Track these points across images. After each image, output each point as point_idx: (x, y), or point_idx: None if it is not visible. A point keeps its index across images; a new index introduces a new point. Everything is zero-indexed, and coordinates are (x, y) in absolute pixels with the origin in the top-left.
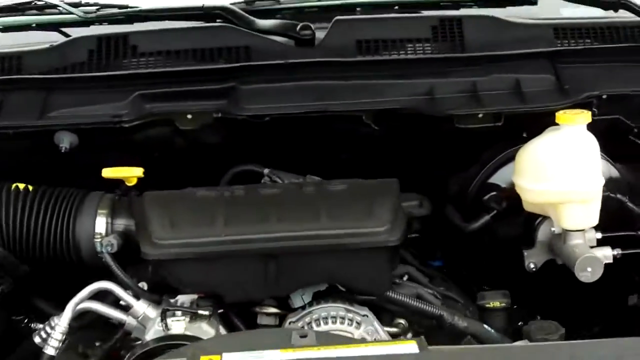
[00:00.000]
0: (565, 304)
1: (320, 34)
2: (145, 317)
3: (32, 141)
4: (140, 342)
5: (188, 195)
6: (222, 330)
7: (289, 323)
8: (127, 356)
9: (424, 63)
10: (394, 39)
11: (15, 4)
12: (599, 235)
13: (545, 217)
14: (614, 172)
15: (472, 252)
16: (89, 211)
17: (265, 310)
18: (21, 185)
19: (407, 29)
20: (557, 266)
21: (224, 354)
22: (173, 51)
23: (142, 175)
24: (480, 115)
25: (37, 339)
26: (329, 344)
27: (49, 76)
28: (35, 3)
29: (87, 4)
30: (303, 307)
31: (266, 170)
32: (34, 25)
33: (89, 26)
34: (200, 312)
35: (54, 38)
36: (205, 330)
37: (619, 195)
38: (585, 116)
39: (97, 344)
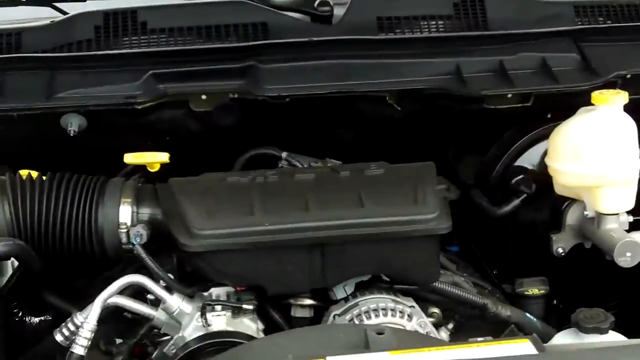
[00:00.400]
0: (585, 287)
1: (338, 11)
2: (180, 312)
3: (37, 125)
4: (168, 337)
5: (218, 181)
6: (260, 325)
7: (333, 316)
8: (172, 354)
9: (449, 41)
10: (416, 15)
11: None
12: (631, 218)
13: (574, 201)
14: None
15: (497, 237)
16: (112, 200)
17: (300, 302)
18: (34, 173)
19: (428, 6)
20: (583, 250)
21: (328, 358)
22: (185, 28)
23: (168, 161)
24: (509, 96)
25: (59, 337)
26: (429, 345)
27: (57, 54)
28: None
29: None
30: (346, 299)
31: (284, 154)
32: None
33: (84, 1)
34: (244, 306)
35: (45, 14)
36: (248, 325)
37: None
38: (623, 96)
39: (118, 340)
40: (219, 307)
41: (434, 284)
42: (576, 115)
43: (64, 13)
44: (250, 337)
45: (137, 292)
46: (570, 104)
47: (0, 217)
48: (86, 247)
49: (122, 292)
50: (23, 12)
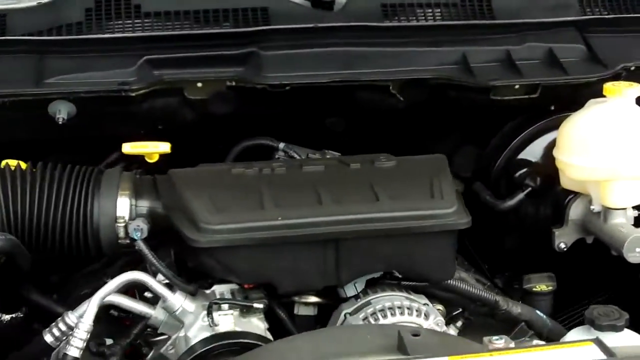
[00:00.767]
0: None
1: None
2: (183, 311)
3: (24, 112)
4: (164, 337)
5: (222, 173)
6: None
7: (345, 315)
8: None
9: (455, 29)
10: (420, 3)
11: None
12: (636, 213)
13: (577, 195)
14: None
15: (496, 231)
16: (109, 192)
17: (304, 300)
18: (23, 164)
19: None
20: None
21: None
22: (182, 12)
23: (169, 151)
24: (517, 87)
25: (49, 338)
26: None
27: (45, 38)
28: None
29: None
30: (356, 297)
31: (281, 145)
32: None
33: None
34: (255, 305)
35: None
36: (256, 324)
37: None
38: (635, 89)
39: (108, 340)
40: (225, 306)
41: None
42: (586, 107)
43: None
44: (260, 338)
45: (128, 289)
46: (575, 95)
47: None
48: (80, 241)
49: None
50: None
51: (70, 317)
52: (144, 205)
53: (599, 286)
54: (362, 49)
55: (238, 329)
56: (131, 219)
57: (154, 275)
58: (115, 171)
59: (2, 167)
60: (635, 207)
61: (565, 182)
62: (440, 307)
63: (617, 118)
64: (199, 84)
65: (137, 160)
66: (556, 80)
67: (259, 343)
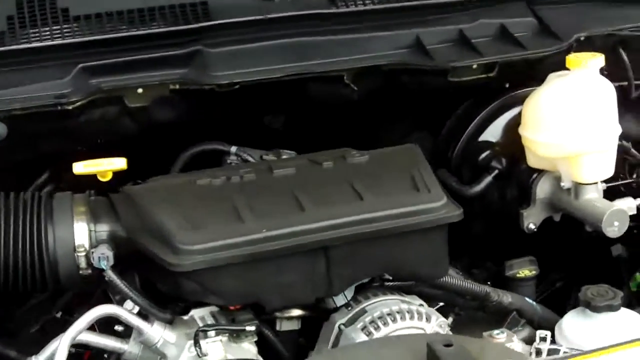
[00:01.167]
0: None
1: None
2: (164, 343)
3: None
4: None
5: (186, 185)
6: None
7: (339, 327)
8: None
9: (407, 11)
10: None
11: None
12: (604, 186)
13: (542, 173)
14: None
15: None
16: (64, 218)
17: (287, 314)
18: None
19: None
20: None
21: None
22: (114, 12)
23: (125, 167)
24: (474, 66)
25: None
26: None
27: None
28: None
29: None
30: (346, 305)
31: (233, 148)
32: None
33: None
34: (248, 328)
35: None
36: (247, 349)
37: (623, 142)
38: (598, 59)
39: None
40: (212, 332)
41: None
42: (548, 81)
43: None
44: None
45: None
46: (531, 71)
47: None
48: (36, 276)
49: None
50: None
51: None
52: (104, 229)
53: (555, 265)
54: (312, 39)
55: (230, 356)
56: (92, 246)
57: (120, 305)
58: (66, 195)
59: None
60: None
61: (532, 161)
62: (422, 302)
63: (583, 90)
64: (140, 90)
65: (67, 180)
66: (515, 57)
67: None
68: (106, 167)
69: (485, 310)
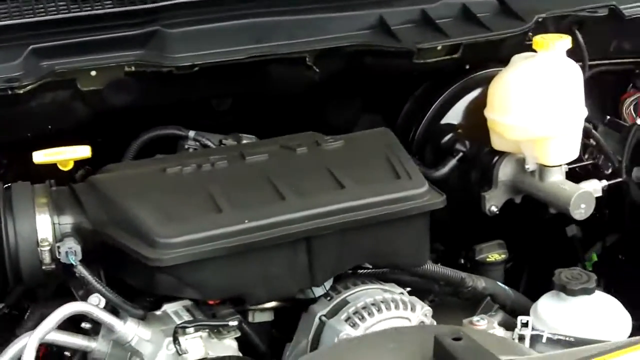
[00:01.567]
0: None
1: None
2: (139, 341)
3: None
4: None
5: (155, 174)
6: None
7: (319, 318)
8: None
9: None
10: None
11: None
12: (566, 168)
13: (504, 155)
14: None
15: None
16: (25, 210)
17: (260, 306)
18: None
19: None
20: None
21: None
22: None
23: (89, 155)
24: (439, 48)
25: None
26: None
27: None
28: None
29: None
30: (325, 295)
31: (191, 133)
32: None
33: None
34: (231, 323)
35: None
36: (228, 345)
37: (585, 123)
38: (565, 41)
39: None
40: (191, 329)
41: None
42: (514, 63)
43: None
44: None
45: None
46: (494, 52)
47: None
48: None
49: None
50: None
51: None
52: (68, 222)
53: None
54: (274, 19)
55: (211, 353)
56: (56, 240)
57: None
58: (25, 185)
59: None
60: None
61: (497, 143)
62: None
63: (550, 72)
64: (93, 73)
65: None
66: (481, 38)
67: None
68: (69, 155)
69: (459, 296)
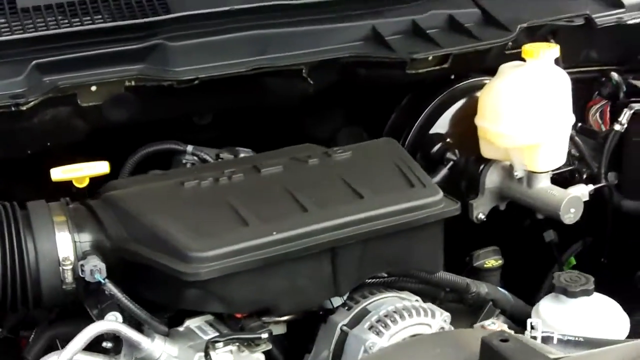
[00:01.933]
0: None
1: None
2: (168, 358)
3: None
4: None
5: (174, 189)
6: None
7: (340, 328)
8: None
9: (362, 2)
10: None
11: None
12: (551, 173)
13: (490, 163)
14: None
15: None
16: (44, 229)
17: (275, 319)
18: None
19: None
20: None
21: None
22: (65, 3)
23: (108, 171)
24: (430, 58)
25: None
26: None
27: None
28: None
29: None
30: (343, 305)
31: (189, 148)
32: None
33: None
34: (263, 336)
35: None
36: (257, 358)
37: None
38: (553, 49)
39: None
40: (220, 344)
41: None
42: (504, 72)
43: None
44: None
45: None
46: (480, 61)
47: None
48: (17, 294)
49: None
50: None
51: None
52: (87, 240)
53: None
54: (271, 31)
55: None
56: (78, 259)
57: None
58: (42, 203)
59: None
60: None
61: (486, 151)
62: None
63: (540, 81)
64: (93, 88)
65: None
66: (470, 48)
67: None
68: (87, 172)
69: (464, 302)
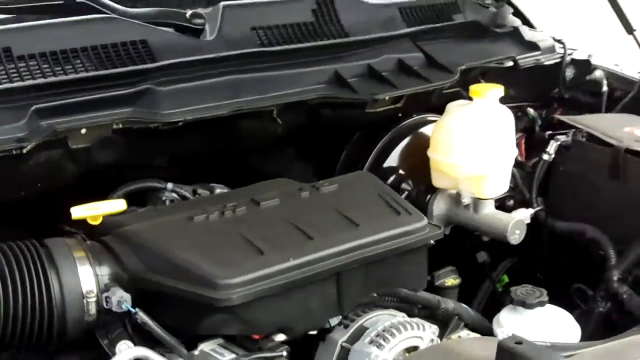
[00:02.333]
0: None
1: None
2: None
3: None
4: None
5: (185, 223)
6: None
7: (341, 344)
8: None
9: (325, 49)
10: (284, 24)
11: None
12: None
13: (437, 192)
14: None
15: None
16: (68, 265)
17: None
18: None
19: (292, 13)
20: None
21: None
22: (58, 51)
23: (126, 208)
24: (386, 98)
25: None
26: None
27: None
28: None
29: None
30: (339, 323)
31: (169, 185)
32: None
33: None
34: (284, 353)
35: None
36: None
37: None
38: (498, 90)
39: None
40: None
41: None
42: (452, 110)
43: None
44: None
45: None
46: (426, 101)
47: None
48: (43, 329)
49: None
50: None
51: None
52: (106, 273)
53: None
54: (247, 76)
55: None
56: (101, 291)
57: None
58: (59, 240)
59: None
60: None
61: (437, 180)
62: None
63: (487, 118)
64: (83, 131)
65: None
66: (422, 89)
67: None
68: (106, 209)
69: (434, 318)
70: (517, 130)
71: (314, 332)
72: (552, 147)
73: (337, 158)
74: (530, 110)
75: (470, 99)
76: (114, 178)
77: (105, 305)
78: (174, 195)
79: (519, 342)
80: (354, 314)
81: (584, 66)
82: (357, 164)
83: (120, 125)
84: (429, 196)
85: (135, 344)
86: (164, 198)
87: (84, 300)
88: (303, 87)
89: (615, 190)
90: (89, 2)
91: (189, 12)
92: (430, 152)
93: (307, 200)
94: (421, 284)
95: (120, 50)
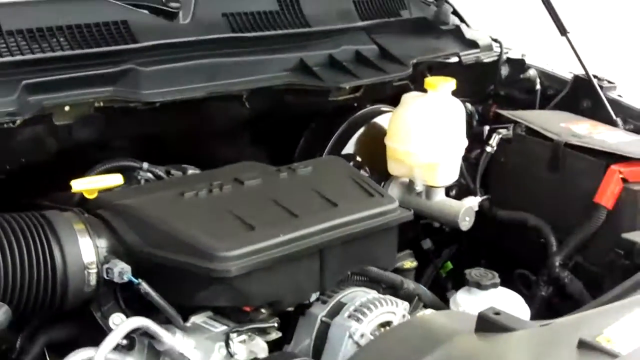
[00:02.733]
0: None
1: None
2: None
3: None
4: None
5: (177, 199)
6: None
7: (321, 318)
8: None
9: (291, 37)
10: (252, 11)
11: None
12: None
13: (390, 179)
14: None
15: None
16: (69, 236)
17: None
18: None
19: (259, 1)
20: None
21: None
22: (45, 29)
23: (122, 183)
24: (347, 87)
25: None
26: None
27: None
28: None
29: None
30: (317, 299)
31: (145, 165)
32: None
33: None
34: (275, 324)
35: None
36: (262, 346)
37: None
38: (451, 83)
39: None
40: (234, 334)
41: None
42: (407, 101)
43: None
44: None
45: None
46: (382, 91)
47: None
48: (47, 297)
49: None
50: None
51: None
52: (104, 245)
53: None
54: (220, 60)
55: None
56: (101, 262)
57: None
58: (58, 212)
59: None
60: None
61: (392, 168)
62: None
63: (440, 109)
64: (67, 108)
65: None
66: (381, 79)
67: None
68: (106, 183)
69: (398, 296)
70: None
71: (292, 309)
72: (494, 140)
73: (293, 145)
74: (468, 105)
75: (425, 91)
76: (84, 156)
77: (106, 277)
78: (149, 175)
79: (497, 313)
80: (331, 290)
81: (519, 65)
82: (316, 151)
83: (102, 104)
84: (383, 183)
85: (127, 317)
86: (139, 177)
87: (85, 272)
88: (271, 73)
89: (555, 181)
90: None
91: None
92: (387, 140)
93: (286, 180)
94: (392, 262)
95: (103, 29)
